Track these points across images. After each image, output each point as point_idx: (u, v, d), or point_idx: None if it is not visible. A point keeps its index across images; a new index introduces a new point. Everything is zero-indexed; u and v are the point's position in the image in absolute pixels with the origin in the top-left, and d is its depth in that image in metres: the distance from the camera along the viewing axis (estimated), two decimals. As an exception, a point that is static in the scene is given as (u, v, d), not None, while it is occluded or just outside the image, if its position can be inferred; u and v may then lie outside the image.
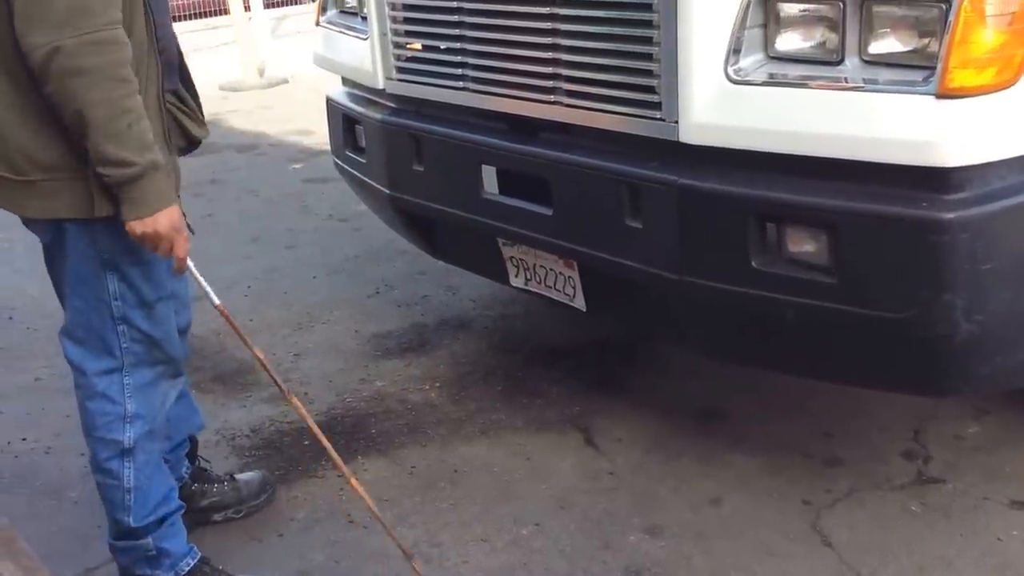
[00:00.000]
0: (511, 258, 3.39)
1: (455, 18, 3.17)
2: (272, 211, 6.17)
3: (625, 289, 3.01)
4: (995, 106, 2.27)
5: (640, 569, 2.82)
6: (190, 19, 13.57)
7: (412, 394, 3.84)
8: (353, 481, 2.74)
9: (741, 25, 2.49)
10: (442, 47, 3.30)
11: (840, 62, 2.42)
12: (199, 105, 2.73)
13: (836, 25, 2.40)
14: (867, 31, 2.37)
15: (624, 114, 2.76)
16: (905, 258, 2.36)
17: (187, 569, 2.74)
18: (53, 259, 2.54)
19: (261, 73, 10.23)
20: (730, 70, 2.52)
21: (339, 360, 4.15)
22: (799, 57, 2.49)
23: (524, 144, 3.07)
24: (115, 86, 2.22)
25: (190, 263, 2.49)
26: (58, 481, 3.38)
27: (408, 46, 3.44)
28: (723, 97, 2.54)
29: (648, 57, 2.66)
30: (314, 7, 4.26)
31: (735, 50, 2.51)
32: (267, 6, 12.36)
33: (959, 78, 2.24)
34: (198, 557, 2.78)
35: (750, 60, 2.52)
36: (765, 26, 2.51)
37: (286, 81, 10.13)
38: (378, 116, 3.59)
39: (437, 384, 3.90)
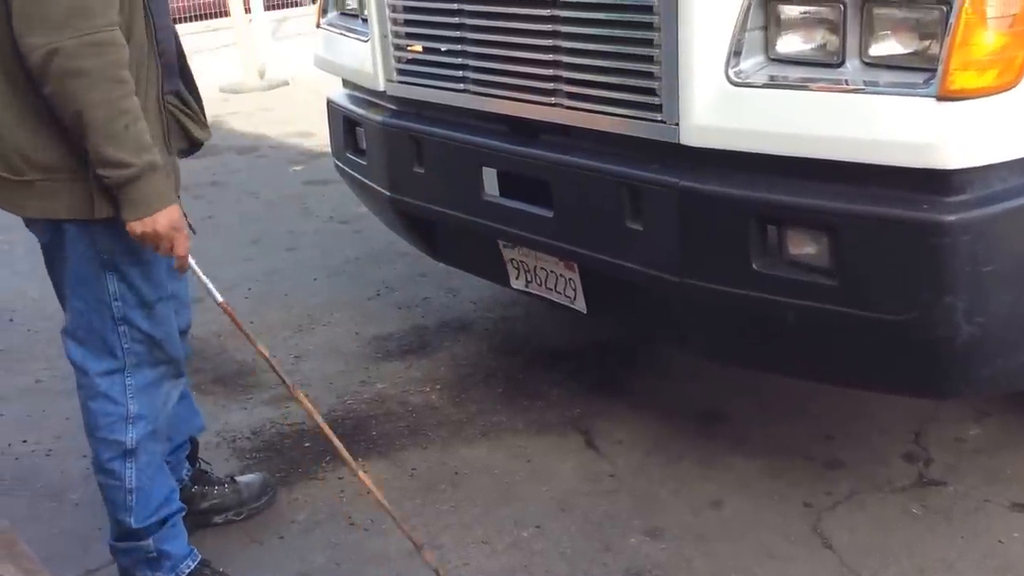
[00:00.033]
0: (512, 260, 3.39)
1: (456, 20, 3.17)
2: (272, 213, 6.17)
3: (626, 291, 3.01)
4: (996, 108, 2.27)
5: (641, 571, 2.82)
6: (190, 21, 13.59)
7: (413, 396, 3.83)
8: (361, 474, 2.74)
9: (742, 27, 2.49)
10: (443, 49, 3.30)
11: (841, 64, 2.42)
12: (201, 107, 2.73)
13: (837, 27, 2.40)
14: (868, 33, 2.37)
15: (625, 116, 2.76)
16: (906, 260, 2.36)
17: (187, 571, 2.74)
18: (52, 260, 2.54)
19: (262, 75, 10.24)
20: (731, 72, 2.52)
21: (340, 362, 4.15)
22: (800, 59, 2.49)
23: (525, 146, 3.07)
24: (113, 87, 2.22)
25: (192, 262, 2.50)
26: (59, 483, 3.38)
27: (409, 48, 3.44)
28: (724, 99, 2.54)
29: (649, 59, 2.66)
30: (314, 9, 4.27)
31: (736, 52, 2.51)
32: (267, 8, 12.37)
33: (960, 80, 2.24)
34: (198, 559, 2.78)
35: (751, 62, 2.52)
36: (766, 28, 2.51)
37: (287, 83, 10.13)
38: (379, 118, 3.59)
39: (438, 386, 3.90)
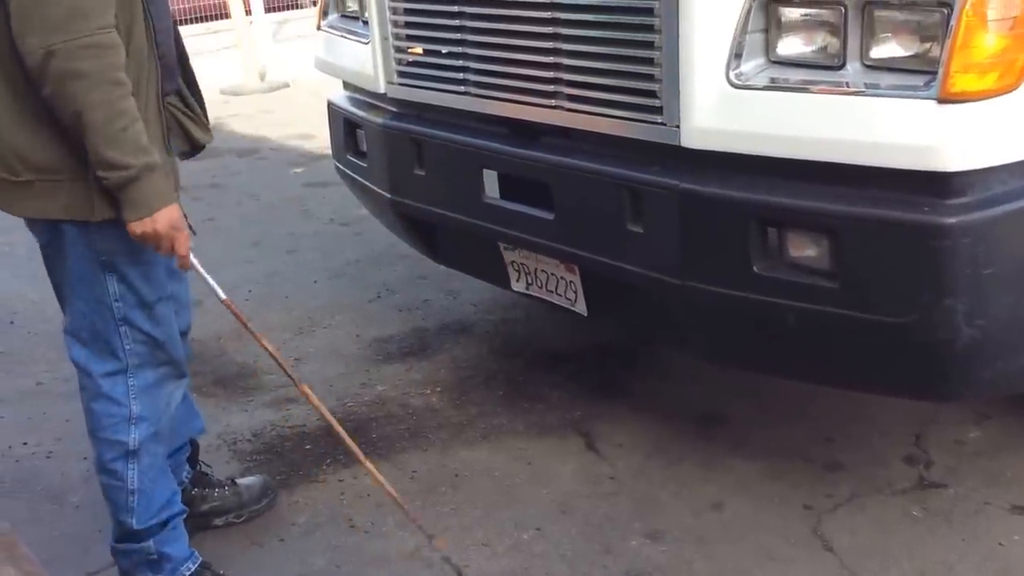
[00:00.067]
0: (512, 262, 3.39)
1: (456, 22, 3.17)
2: (273, 215, 6.17)
3: (626, 293, 3.01)
4: (997, 111, 2.27)
5: (641, 573, 2.82)
6: (191, 23, 13.58)
7: (413, 398, 3.83)
8: (370, 466, 2.75)
9: (742, 30, 2.49)
10: (443, 51, 3.30)
11: (841, 66, 2.42)
12: (204, 110, 2.74)
13: (837, 30, 2.41)
14: (868, 35, 2.37)
15: (625, 118, 2.76)
16: (906, 263, 2.36)
17: (188, 573, 2.74)
18: (52, 261, 2.55)
19: (262, 77, 10.24)
20: (731, 74, 2.52)
21: (340, 364, 4.14)
22: (800, 61, 2.49)
23: (525, 148, 3.07)
24: (111, 89, 2.24)
25: (194, 260, 2.51)
26: (59, 486, 3.38)
27: (409, 50, 3.44)
28: (724, 101, 2.54)
29: (649, 61, 2.66)
30: (315, 11, 4.27)
31: (736, 55, 2.51)
32: (268, 10, 12.37)
33: (961, 83, 2.24)
34: (199, 562, 2.78)
35: (751, 64, 2.52)
36: (766, 31, 2.51)
37: (287, 85, 10.13)
38: (379, 120, 3.59)
39: (438, 388, 3.90)
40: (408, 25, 3.40)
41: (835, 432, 3.41)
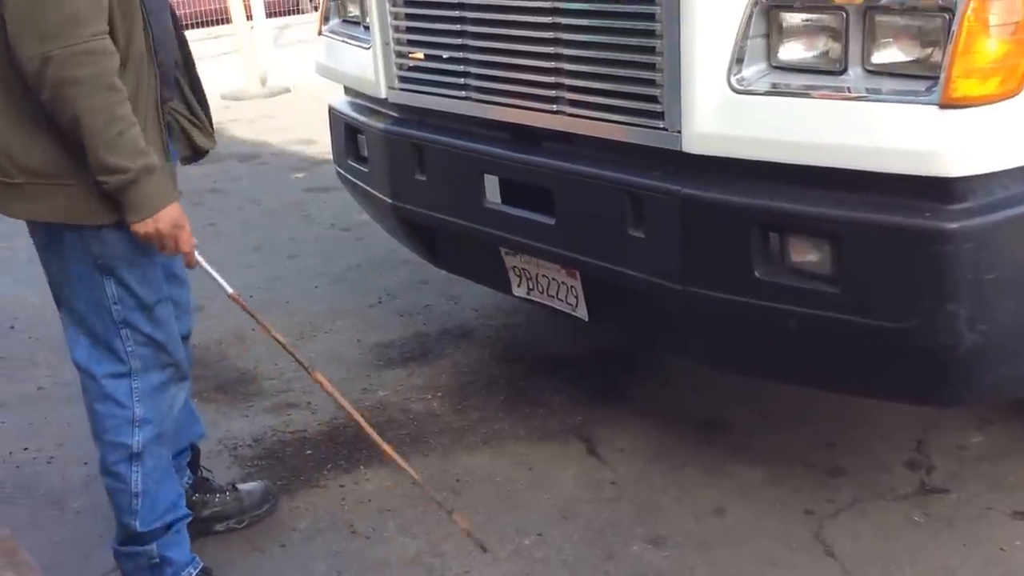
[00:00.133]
0: (513, 267, 3.39)
1: (457, 27, 3.18)
2: (274, 220, 6.17)
3: (627, 299, 3.01)
4: (998, 116, 2.27)
5: (643, 579, 2.82)
6: (192, 28, 13.63)
7: (414, 403, 3.83)
8: (387, 448, 2.79)
9: (744, 35, 2.49)
10: (444, 56, 3.30)
11: (843, 72, 2.41)
12: (209, 116, 2.75)
13: (839, 35, 2.40)
14: (870, 41, 2.37)
15: (627, 123, 2.76)
16: (908, 268, 2.36)
17: (189, 579, 2.74)
18: (49, 263, 2.57)
19: (263, 82, 10.25)
20: (733, 80, 2.52)
21: (341, 369, 4.14)
22: (802, 67, 2.49)
23: (526, 153, 3.07)
24: (108, 95, 2.26)
25: (199, 258, 2.53)
26: (60, 491, 3.37)
27: (410, 55, 3.44)
28: (726, 107, 2.54)
29: (651, 67, 2.66)
30: (316, 16, 4.27)
31: (738, 60, 2.51)
32: (269, 15, 12.40)
33: (962, 88, 2.24)
34: (200, 567, 2.78)
35: (753, 70, 2.52)
36: (768, 36, 2.51)
37: (288, 90, 10.14)
38: (380, 125, 3.59)
39: (439, 394, 3.89)
40: (409, 30, 3.41)
41: (836, 437, 3.40)
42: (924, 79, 2.30)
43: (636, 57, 2.69)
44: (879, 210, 2.36)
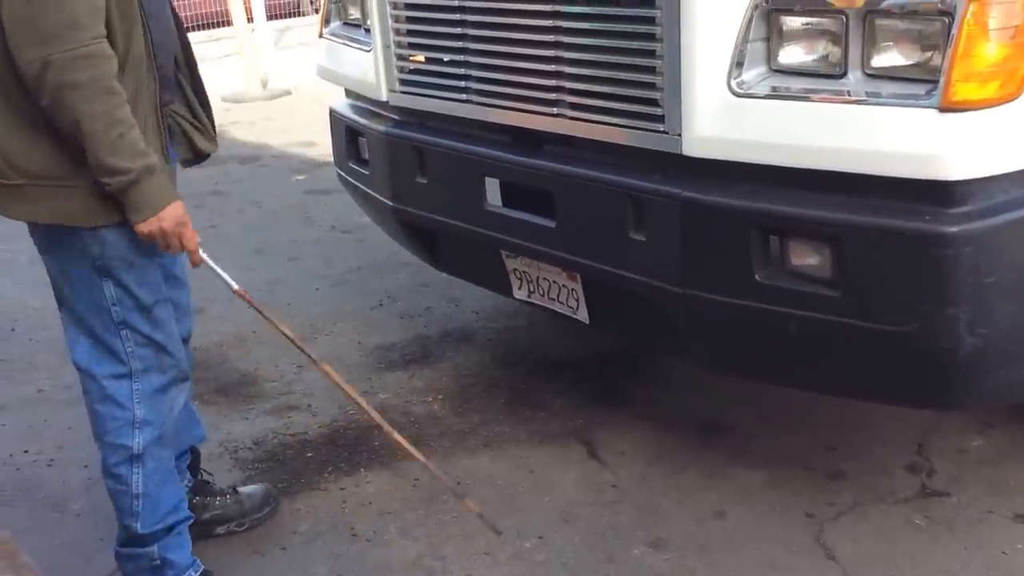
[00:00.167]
0: (514, 270, 3.39)
1: (458, 30, 3.18)
2: (275, 222, 6.18)
3: (628, 302, 3.01)
4: (998, 119, 2.27)
5: (643, 582, 2.82)
6: (193, 31, 13.64)
7: (415, 406, 3.83)
8: (387, 427, 2.83)
9: (744, 38, 2.49)
10: (445, 59, 3.30)
11: (843, 75, 2.41)
12: (211, 119, 2.76)
13: (839, 38, 2.40)
14: (870, 44, 2.37)
15: (627, 127, 2.76)
16: (908, 271, 2.36)
17: (189, 582, 2.75)
18: (49, 264, 2.58)
19: (264, 85, 10.25)
20: (733, 83, 2.52)
21: (342, 372, 4.06)
22: (802, 70, 2.49)
23: (527, 156, 3.07)
24: (108, 98, 2.27)
25: (204, 255, 2.54)
26: (60, 494, 3.37)
27: (411, 58, 3.45)
28: (726, 110, 2.54)
29: (651, 70, 2.66)
30: (317, 19, 4.27)
31: (738, 63, 2.51)
32: (270, 17, 12.40)
33: (962, 91, 2.24)
34: (201, 570, 2.78)
35: (753, 73, 2.52)
36: (768, 39, 2.51)
37: (289, 93, 10.15)
38: (381, 128, 3.59)
39: (440, 396, 3.89)
40: (410, 33, 3.41)
41: (837, 440, 3.40)
42: (924, 83, 2.31)
43: (636, 60, 2.69)
44: (879, 214, 2.36)
